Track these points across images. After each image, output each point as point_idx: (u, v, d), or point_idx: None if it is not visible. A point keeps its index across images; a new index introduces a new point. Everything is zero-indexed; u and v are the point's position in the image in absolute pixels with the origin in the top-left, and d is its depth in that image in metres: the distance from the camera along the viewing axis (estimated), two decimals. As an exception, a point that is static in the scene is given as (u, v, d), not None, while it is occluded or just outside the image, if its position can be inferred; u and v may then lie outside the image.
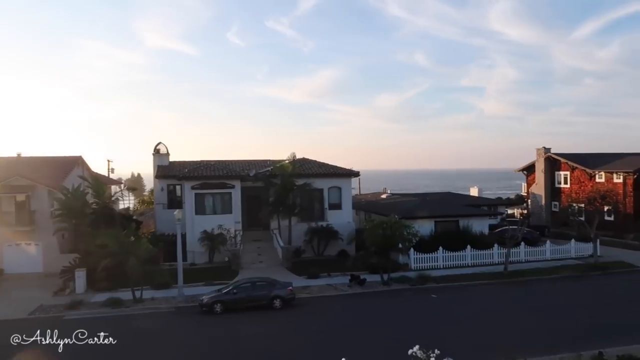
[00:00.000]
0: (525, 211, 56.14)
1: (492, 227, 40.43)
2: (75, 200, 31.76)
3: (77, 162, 40.34)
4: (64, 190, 32.71)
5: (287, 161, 38.19)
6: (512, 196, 74.89)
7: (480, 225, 36.77)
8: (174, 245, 27.81)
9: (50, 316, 23.39)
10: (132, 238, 27.05)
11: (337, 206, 39.01)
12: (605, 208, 41.27)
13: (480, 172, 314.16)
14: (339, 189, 39.40)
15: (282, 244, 34.70)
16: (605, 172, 45.93)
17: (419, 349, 8.68)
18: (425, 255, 32.54)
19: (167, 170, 41.68)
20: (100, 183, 35.32)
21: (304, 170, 38.59)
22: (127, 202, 57.75)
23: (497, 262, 32.88)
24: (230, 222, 35.33)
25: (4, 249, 33.01)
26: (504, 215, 51.27)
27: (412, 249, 31.55)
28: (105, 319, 23.03)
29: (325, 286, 28.24)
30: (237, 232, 35.09)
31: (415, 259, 32.25)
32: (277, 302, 24.08)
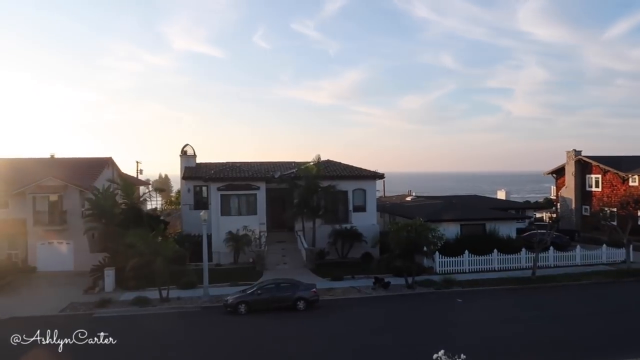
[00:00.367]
0: (554, 215, 54.88)
1: (519, 231, 39.67)
2: (105, 201, 32.53)
3: (107, 164, 41.30)
4: (95, 190, 33.57)
5: (311, 163, 38.26)
6: (541, 200, 73.44)
7: (507, 229, 36.15)
8: (200, 245, 28.18)
9: (80, 313, 23.98)
10: (160, 238, 27.54)
11: (361, 208, 38.92)
12: (639, 212, 40.02)
13: (507, 175, 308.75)
14: (364, 191, 39.29)
15: (306, 245, 34.79)
16: (639, 175, 44.55)
17: (444, 353, 8.60)
18: (451, 258, 32.15)
19: (193, 171, 42.32)
20: (130, 184, 36.10)
21: (329, 172, 38.62)
22: (154, 202, 58.83)
23: (524, 266, 32.23)
24: (255, 224, 35.63)
25: (37, 248, 34.05)
26: (532, 219, 50.25)
27: (437, 252, 31.19)
28: (133, 317, 23.56)
29: (349, 288, 28.18)
30: (261, 234, 35.35)
31: (440, 263, 31.89)
32: (300, 304, 24.14)
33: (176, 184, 74.69)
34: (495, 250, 32.86)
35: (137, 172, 55.83)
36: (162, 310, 24.67)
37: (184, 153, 44.09)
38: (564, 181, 52.24)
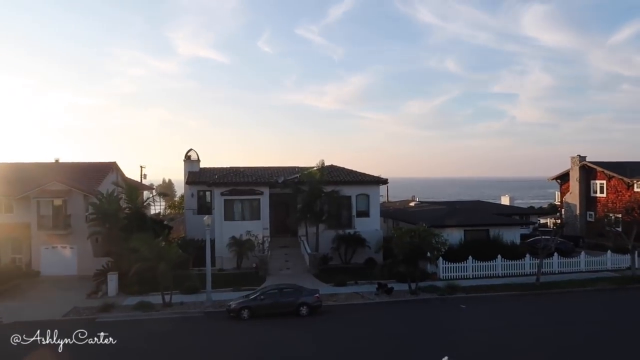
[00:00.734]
0: (558, 221, 54.67)
1: (524, 237, 39.51)
2: (109, 205, 32.62)
3: (111, 168, 41.47)
4: (99, 195, 33.68)
5: (315, 168, 38.31)
6: (545, 205, 73.16)
7: (511, 235, 35.99)
8: (203, 250, 28.17)
9: (84, 318, 23.97)
10: (163, 243, 27.57)
11: (364, 214, 38.88)
12: (644, 219, 39.78)
13: (512, 181, 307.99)
14: (367, 196, 39.25)
15: (309, 250, 34.75)
16: (644, 181, 44.28)
17: (449, 359, 8.57)
18: (454, 264, 32.02)
19: (197, 176, 42.40)
20: (134, 188, 36.19)
21: (332, 177, 38.64)
22: (158, 207, 58.96)
23: (528, 272, 32.08)
24: (259, 229, 35.65)
25: (41, 252, 34.14)
26: (537, 225, 50.06)
27: (440, 258, 31.10)
28: (136, 322, 23.53)
29: (352, 294, 28.10)
30: (265, 239, 35.34)
31: (443, 268, 31.77)
32: (303, 309, 24.07)
33: (180, 188, 74.90)
34: (499, 256, 32.71)
35: (141, 177, 56.02)
36: (165, 315, 24.65)
37: (187, 158, 44.20)
38: (568, 187, 52.03)
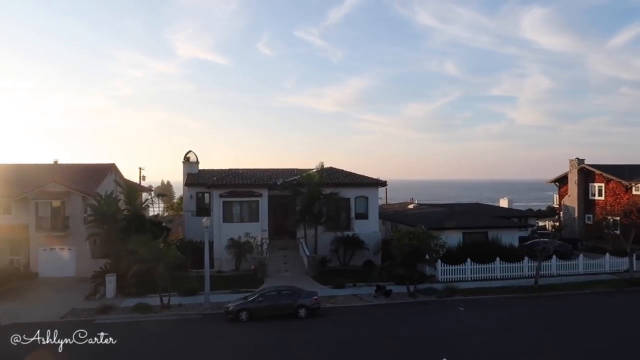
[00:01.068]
0: (557, 223, 54.75)
1: (522, 240, 39.55)
2: (108, 207, 32.62)
3: (110, 170, 41.43)
4: (97, 196, 33.66)
5: (314, 170, 38.33)
6: (544, 208, 73.18)
7: (509, 237, 36.05)
8: (202, 252, 28.17)
9: (82, 320, 23.89)
10: (162, 245, 27.55)
11: (363, 216, 38.90)
12: (642, 221, 39.86)
13: (510, 183, 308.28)
14: (366, 198, 39.28)
15: (308, 253, 34.74)
16: (642, 184, 44.39)
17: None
18: (453, 267, 32.04)
19: (196, 178, 42.40)
20: (132, 190, 36.21)
21: (331, 179, 38.65)
22: (156, 209, 58.90)
23: (527, 275, 32.13)
24: (257, 231, 35.64)
25: (39, 253, 34.08)
26: (535, 228, 50.09)
27: (439, 261, 31.10)
28: (134, 324, 23.49)
29: (350, 296, 28.10)
30: (263, 241, 35.33)
31: (442, 271, 31.80)
32: (302, 311, 24.06)
33: (178, 190, 74.85)
34: (497, 259, 32.75)
35: (140, 179, 55.93)
36: (163, 317, 24.61)
37: (186, 160, 44.21)
38: (567, 190, 52.13)
